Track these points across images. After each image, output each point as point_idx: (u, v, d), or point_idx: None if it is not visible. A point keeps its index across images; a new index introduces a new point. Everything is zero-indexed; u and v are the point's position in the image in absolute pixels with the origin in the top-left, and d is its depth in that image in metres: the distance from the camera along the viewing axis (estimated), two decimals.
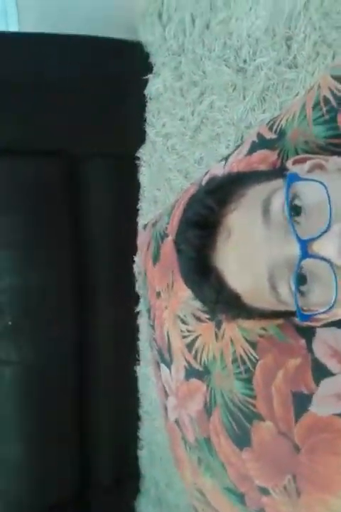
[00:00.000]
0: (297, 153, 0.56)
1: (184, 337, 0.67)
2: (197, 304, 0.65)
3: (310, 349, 0.52)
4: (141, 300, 1.36)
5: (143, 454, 1.50)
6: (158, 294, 0.76)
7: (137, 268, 1.33)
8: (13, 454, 1.33)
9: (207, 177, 0.69)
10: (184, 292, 0.68)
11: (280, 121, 0.59)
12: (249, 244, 0.43)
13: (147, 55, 1.20)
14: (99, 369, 1.40)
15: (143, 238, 0.91)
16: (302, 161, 0.51)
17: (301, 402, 0.52)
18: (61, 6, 1.37)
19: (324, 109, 0.53)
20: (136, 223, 1.32)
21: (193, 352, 0.65)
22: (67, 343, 1.32)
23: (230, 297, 0.46)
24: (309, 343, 0.52)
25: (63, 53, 1.20)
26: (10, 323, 1.24)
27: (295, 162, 0.51)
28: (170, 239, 0.74)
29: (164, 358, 0.73)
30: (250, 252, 0.43)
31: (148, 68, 1.20)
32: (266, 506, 0.57)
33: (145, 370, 1.40)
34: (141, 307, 1.36)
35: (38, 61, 1.15)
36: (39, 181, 1.18)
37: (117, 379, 1.43)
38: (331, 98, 0.53)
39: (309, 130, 0.55)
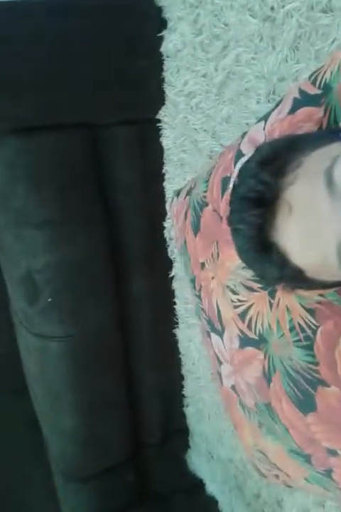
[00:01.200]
0: None
1: (235, 307, 0.67)
2: (247, 273, 0.64)
3: None
4: (175, 265, 1.36)
5: (189, 411, 1.54)
6: (203, 265, 0.75)
7: (168, 233, 1.33)
8: (66, 424, 1.38)
9: (246, 141, 0.67)
10: (232, 262, 0.67)
11: (324, 74, 0.56)
12: (313, 219, 0.41)
13: (159, 10, 1.15)
14: (139, 334, 1.42)
15: (178, 206, 0.89)
16: None
17: None
18: None
19: None
20: (162, 188, 1.31)
21: (247, 321, 0.65)
22: (107, 312, 1.33)
23: (293, 273, 0.45)
24: None
25: (70, 18, 1.15)
26: (50, 300, 1.26)
27: None
28: (210, 208, 0.73)
29: (215, 327, 0.73)
30: (315, 227, 0.41)
31: (162, 24, 1.14)
32: (335, 466, 0.57)
33: (184, 332, 1.42)
34: (176, 272, 1.36)
35: (45, 29, 1.11)
36: (63, 155, 1.16)
37: (158, 342, 1.45)
38: None
39: None
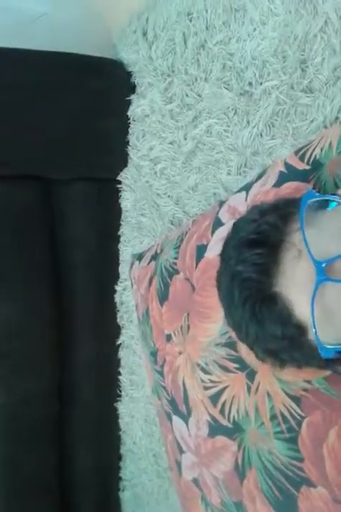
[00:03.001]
0: (336, 185, 0.52)
1: (206, 388, 0.60)
2: (223, 351, 0.59)
3: None
4: (123, 331, 1.28)
5: (125, 495, 1.40)
6: (169, 338, 0.68)
7: (118, 297, 1.26)
8: None
9: (225, 210, 0.63)
10: (205, 338, 0.61)
11: (313, 151, 0.55)
12: None
13: (129, 75, 1.14)
14: (77, 407, 1.30)
15: (141, 271, 0.83)
16: None
17: None
18: (28, 19, 1.29)
19: None
20: (117, 249, 1.25)
21: (219, 406, 0.58)
22: (44, 382, 1.21)
23: (295, 331, 0.40)
24: None
25: (35, 71, 1.11)
26: None
27: None
28: (181, 276, 0.68)
29: (178, 409, 0.66)
30: None
31: (130, 88, 1.14)
32: None
33: (127, 406, 1.32)
34: (123, 339, 1.28)
35: (9, 79, 1.07)
36: (14, 209, 1.08)
37: (97, 417, 1.33)
38: None
39: None
